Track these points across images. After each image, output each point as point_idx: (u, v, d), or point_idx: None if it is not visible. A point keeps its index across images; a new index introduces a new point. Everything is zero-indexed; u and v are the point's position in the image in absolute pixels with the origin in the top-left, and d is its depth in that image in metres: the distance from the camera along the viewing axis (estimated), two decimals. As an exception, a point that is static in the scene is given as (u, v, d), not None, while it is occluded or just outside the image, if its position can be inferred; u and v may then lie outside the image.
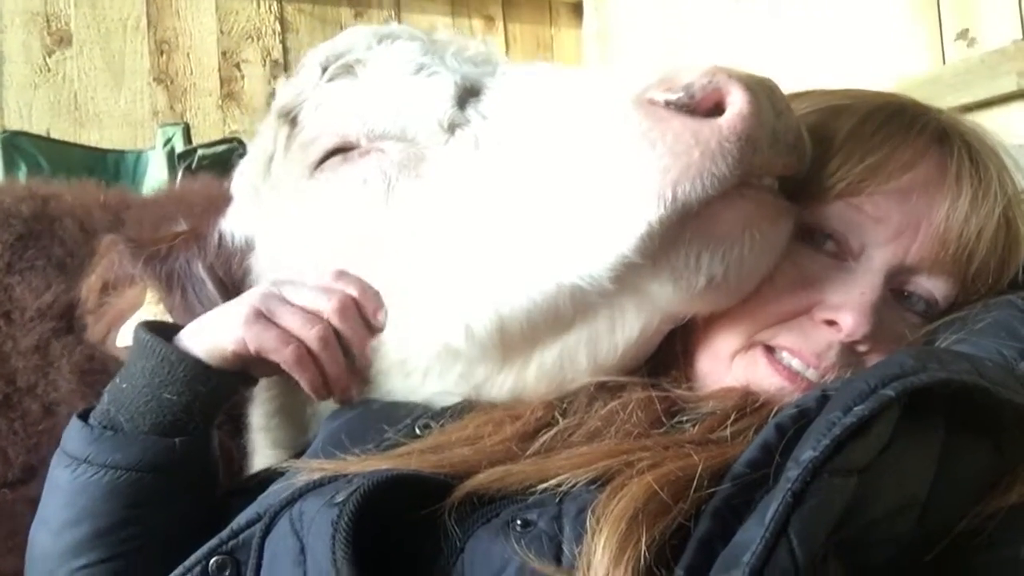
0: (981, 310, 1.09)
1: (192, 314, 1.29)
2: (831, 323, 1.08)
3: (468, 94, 1.21)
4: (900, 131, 1.13)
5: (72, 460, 1.17)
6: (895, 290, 1.13)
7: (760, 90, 0.99)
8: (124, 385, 1.20)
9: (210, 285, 1.34)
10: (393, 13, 3.95)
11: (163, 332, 1.22)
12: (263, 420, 1.41)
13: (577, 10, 4.47)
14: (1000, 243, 1.12)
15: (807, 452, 0.79)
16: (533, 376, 1.16)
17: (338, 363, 1.20)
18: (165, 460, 1.17)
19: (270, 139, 1.33)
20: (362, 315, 1.21)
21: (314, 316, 1.19)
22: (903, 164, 1.11)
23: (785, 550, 0.75)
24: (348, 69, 1.29)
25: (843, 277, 1.10)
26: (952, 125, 1.17)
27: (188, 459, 1.19)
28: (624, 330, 1.12)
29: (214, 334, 1.19)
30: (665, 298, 1.08)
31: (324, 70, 1.30)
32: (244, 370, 1.22)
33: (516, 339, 1.13)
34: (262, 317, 1.18)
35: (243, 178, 1.40)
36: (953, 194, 1.10)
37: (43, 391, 1.54)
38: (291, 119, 1.31)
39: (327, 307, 1.19)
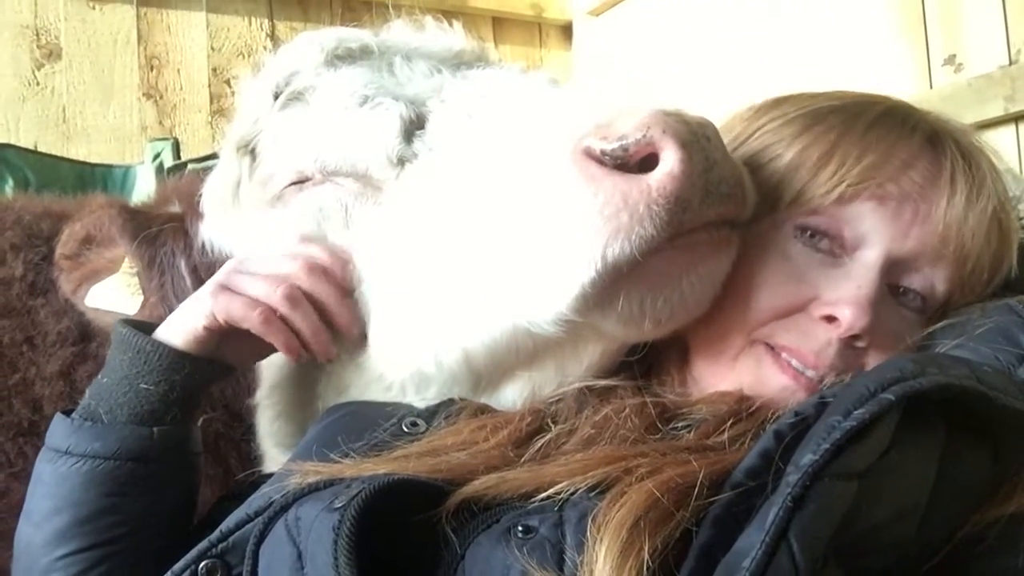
0: (980, 315, 1.09)
1: (165, 301, 1.34)
2: (830, 319, 1.08)
3: (414, 126, 1.24)
4: (894, 130, 1.14)
5: (54, 453, 1.18)
6: (892, 285, 1.13)
7: (694, 143, 1.00)
8: (104, 379, 1.21)
9: (189, 283, 1.38)
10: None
11: (141, 327, 1.24)
12: (267, 426, 1.42)
13: (567, 32, 4.50)
14: (993, 240, 1.13)
15: (807, 456, 0.78)
16: (507, 394, 1.20)
17: (310, 321, 1.22)
18: (143, 449, 1.18)
19: (235, 166, 1.36)
20: (329, 273, 1.24)
21: (278, 281, 1.21)
22: (901, 163, 1.12)
23: (785, 555, 0.74)
24: (299, 96, 1.32)
25: (839, 273, 1.11)
26: (942, 126, 1.19)
27: (166, 449, 1.20)
28: (588, 353, 1.16)
29: (185, 317, 1.22)
30: (619, 334, 1.12)
31: (276, 97, 1.33)
32: (219, 353, 1.23)
33: (484, 369, 1.17)
34: (227, 289, 1.21)
35: (213, 197, 1.42)
36: (949, 192, 1.11)
37: None
38: (250, 150, 1.34)
39: (292, 268, 1.22)
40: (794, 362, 1.09)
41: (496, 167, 1.14)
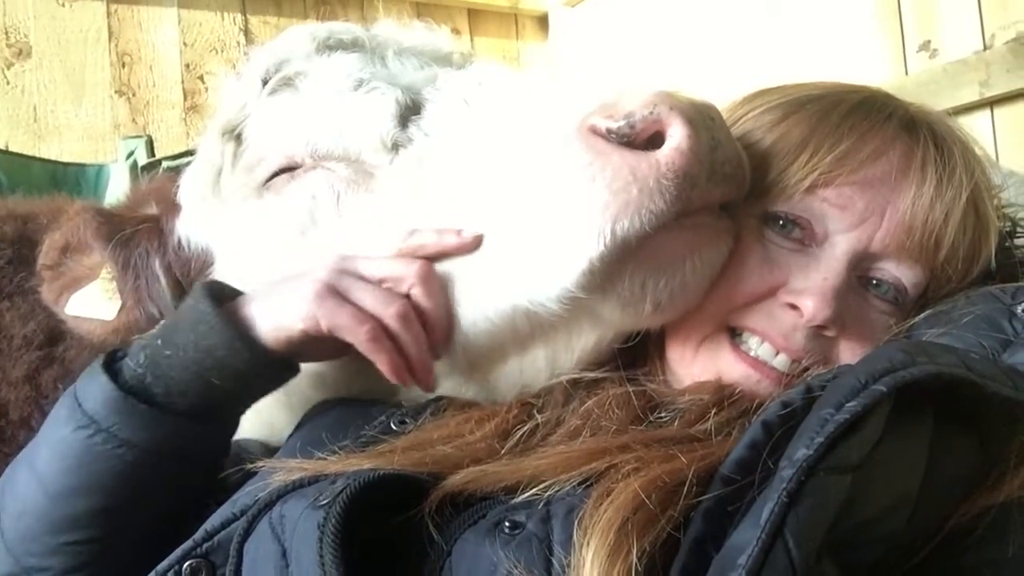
0: (965, 303, 1.10)
1: (140, 303, 1.29)
2: (794, 307, 1.09)
3: (409, 111, 1.22)
4: (867, 119, 1.15)
5: (90, 422, 1.05)
6: (862, 277, 1.14)
7: (700, 121, 1.00)
8: (167, 352, 1.08)
9: (163, 282, 1.34)
10: (359, 27, 3.93)
11: (220, 296, 1.11)
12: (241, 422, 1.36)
13: (543, 23, 4.48)
14: (968, 229, 1.13)
15: (801, 451, 0.78)
16: (498, 383, 1.18)
17: (420, 343, 1.11)
18: (192, 447, 1.09)
19: (217, 153, 1.33)
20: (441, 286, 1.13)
21: (391, 294, 1.11)
22: (871, 152, 1.12)
23: (782, 551, 0.73)
24: (288, 82, 1.29)
25: (807, 262, 1.12)
26: (919, 114, 1.19)
27: (212, 446, 1.14)
28: (581, 342, 1.14)
29: (282, 311, 1.09)
30: (616, 319, 1.10)
31: (264, 83, 1.29)
32: (303, 353, 1.13)
33: (479, 354, 1.15)
34: (335, 293, 1.09)
35: (192, 188, 1.38)
36: (918, 180, 1.11)
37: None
38: (235, 136, 1.31)
39: (408, 272, 1.11)
40: (763, 350, 1.11)
41: (496, 149, 1.12)
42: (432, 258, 1.13)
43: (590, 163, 1.00)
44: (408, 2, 3.94)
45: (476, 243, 1.11)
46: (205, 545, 1.00)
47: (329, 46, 1.30)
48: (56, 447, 1.09)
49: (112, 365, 1.10)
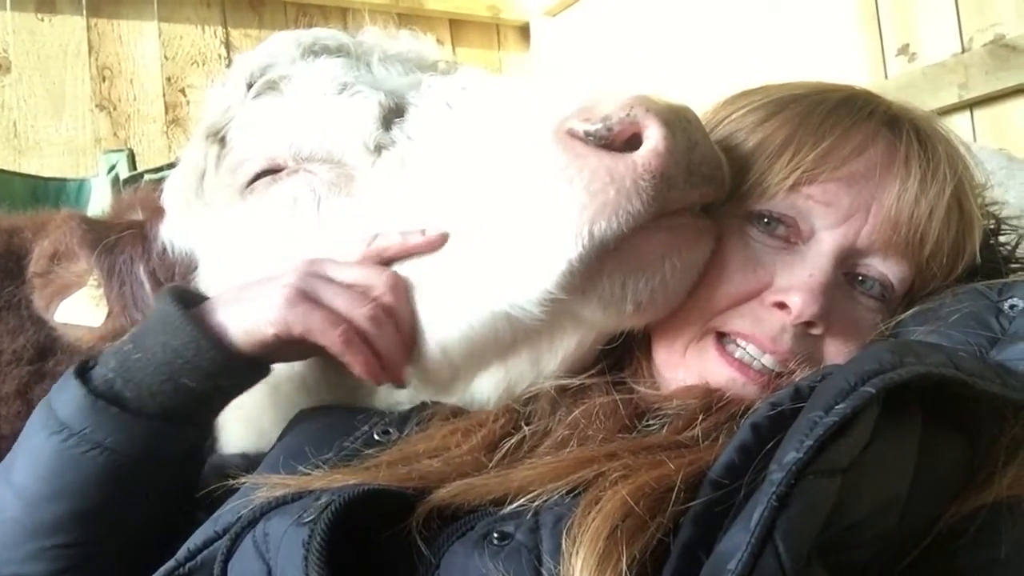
0: (952, 301, 1.10)
1: (126, 310, 1.28)
2: (781, 306, 1.09)
3: (393, 114, 1.22)
4: (849, 116, 1.14)
5: (63, 427, 1.06)
6: (849, 274, 1.14)
7: (676, 123, 1.01)
8: (137, 355, 1.08)
9: (147, 288, 1.33)
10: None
11: (187, 300, 1.12)
12: (230, 430, 1.35)
13: (524, 33, 4.49)
14: (953, 224, 1.13)
15: (790, 454, 0.77)
16: (481, 389, 1.18)
17: (392, 342, 1.11)
18: (166, 449, 1.09)
19: (201, 156, 1.33)
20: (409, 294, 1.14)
21: (362, 295, 1.11)
22: (854, 148, 1.12)
23: (771, 556, 0.73)
24: (273, 85, 1.29)
25: (793, 260, 1.12)
26: (901, 111, 1.19)
27: (186, 449, 1.14)
28: (564, 346, 1.14)
29: (253, 315, 1.09)
30: (598, 320, 1.11)
31: (249, 86, 1.30)
32: (275, 355, 1.13)
33: (460, 361, 1.15)
34: (306, 297, 1.09)
35: (175, 191, 1.38)
36: (902, 176, 1.11)
37: None
38: (219, 138, 1.31)
39: (377, 281, 1.12)
40: (750, 350, 1.10)
41: (476, 153, 1.12)
42: (397, 259, 1.14)
43: (567, 165, 1.01)
44: (390, 12, 3.94)
45: (441, 241, 1.12)
46: (188, 564, 0.99)
47: (314, 51, 1.31)
48: (30, 455, 1.09)
49: (85, 372, 1.10)
